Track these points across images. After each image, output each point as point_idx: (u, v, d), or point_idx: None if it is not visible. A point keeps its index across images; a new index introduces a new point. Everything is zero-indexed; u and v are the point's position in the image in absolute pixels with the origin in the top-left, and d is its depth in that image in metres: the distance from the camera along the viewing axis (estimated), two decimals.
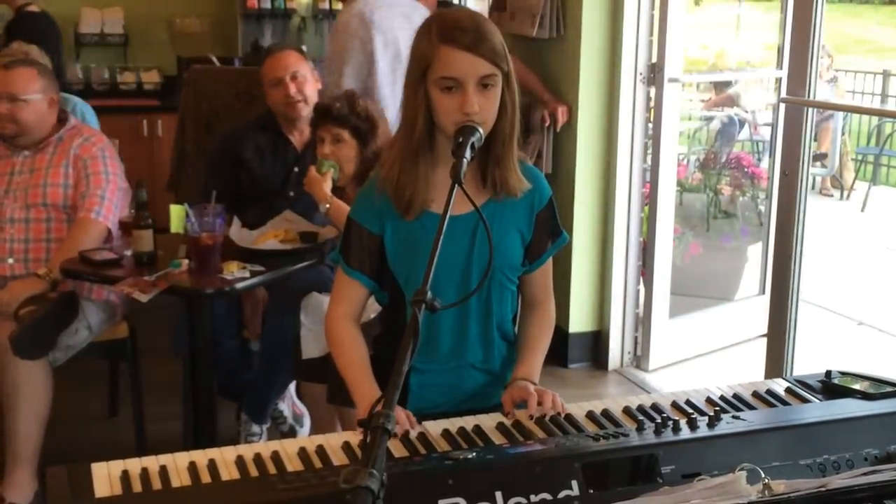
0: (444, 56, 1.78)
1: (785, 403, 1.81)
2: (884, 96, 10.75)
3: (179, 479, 1.51)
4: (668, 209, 4.43)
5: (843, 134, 9.36)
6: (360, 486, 1.12)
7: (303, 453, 1.59)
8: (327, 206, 3.00)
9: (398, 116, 1.96)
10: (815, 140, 8.36)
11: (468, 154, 1.69)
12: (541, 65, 4.43)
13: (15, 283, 3.17)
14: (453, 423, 1.72)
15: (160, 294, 2.82)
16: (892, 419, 1.67)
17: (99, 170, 3.34)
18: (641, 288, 4.50)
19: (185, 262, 2.94)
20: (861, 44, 15.96)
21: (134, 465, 1.54)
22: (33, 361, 3.08)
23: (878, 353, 5.03)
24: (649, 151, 4.37)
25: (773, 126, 5.08)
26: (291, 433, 3.57)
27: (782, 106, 3.65)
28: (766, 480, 1.35)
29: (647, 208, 4.45)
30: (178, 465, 1.55)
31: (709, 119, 7.28)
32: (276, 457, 1.58)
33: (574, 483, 1.46)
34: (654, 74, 4.25)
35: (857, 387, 1.81)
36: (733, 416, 1.66)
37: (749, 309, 4.79)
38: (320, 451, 1.61)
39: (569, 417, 1.75)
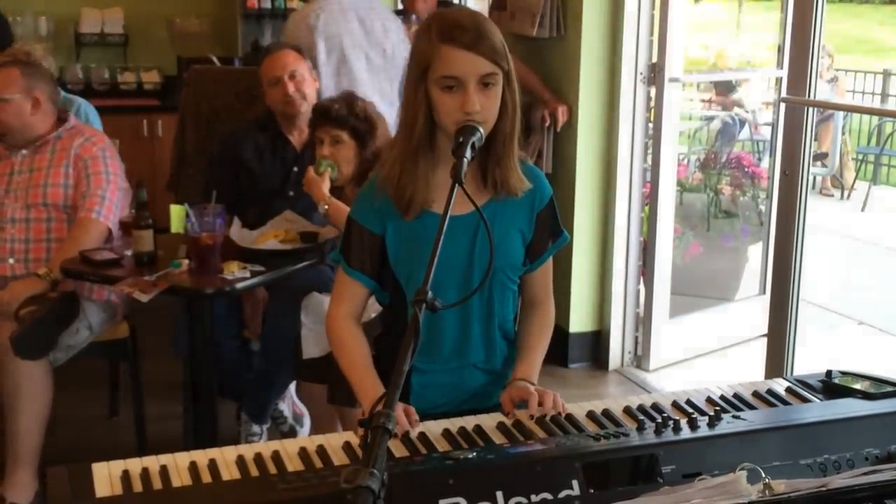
0: (445, 55, 1.77)
1: (785, 403, 1.81)
2: (884, 96, 10.76)
3: (180, 478, 1.51)
4: (668, 209, 4.43)
5: (843, 133, 9.36)
6: (360, 486, 1.12)
7: (303, 453, 1.59)
8: (326, 206, 3.00)
9: None
10: (816, 140, 8.36)
11: (469, 154, 1.68)
12: (541, 64, 4.43)
13: (15, 283, 3.17)
14: (454, 423, 1.72)
15: (160, 294, 2.83)
16: (893, 419, 1.67)
17: (99, 170, 3.34)
18: (642, 288, 4.50)
19: (186, 262, 2.94)
20: (861, 43, 15.95)
21: (134, 464, 1.54)
22: (34, 361, 3.08)
23: (878, 353, 5.03)
24: (649, 151, 4.37)
25: (774, 126, 5.08)
26: (291, 433, 3.57)
27: (782, 105, 3.64)
28: (767, 480, 1.35)
29: (647, 208, 4.45)
30: (178, 464, 1.55)
31: (709, 119, 7.29)
32: (276, 457, 1.58)
33: (575, 483, 1.46)
34: (655, 74, 4.25)
35: (857, 386, 1.80)
36: (734, 416, 1.66)
37: (749, 309, 4.79)
38: (321, 451, 1.61)
39: (569, 417, 1.75)
